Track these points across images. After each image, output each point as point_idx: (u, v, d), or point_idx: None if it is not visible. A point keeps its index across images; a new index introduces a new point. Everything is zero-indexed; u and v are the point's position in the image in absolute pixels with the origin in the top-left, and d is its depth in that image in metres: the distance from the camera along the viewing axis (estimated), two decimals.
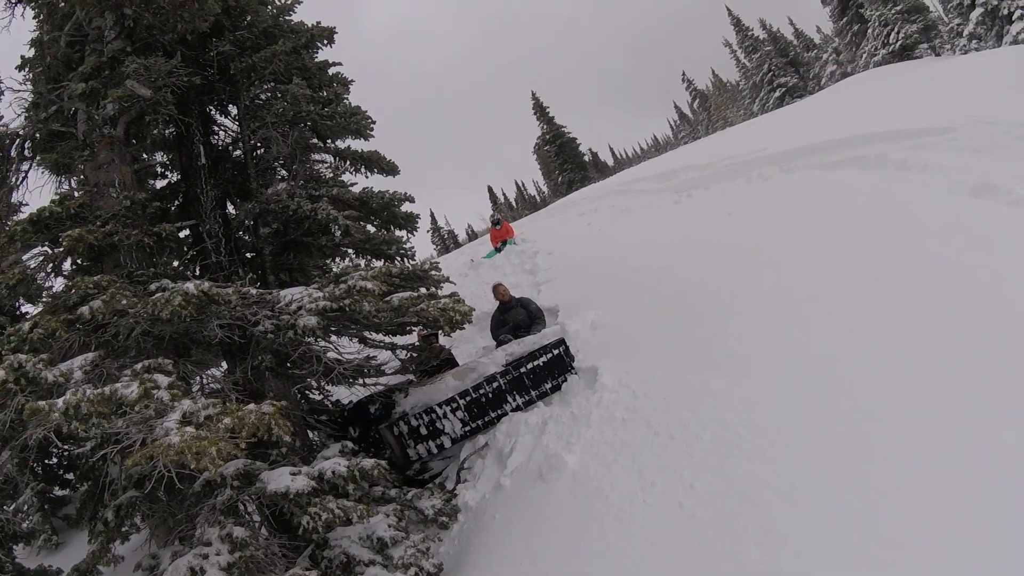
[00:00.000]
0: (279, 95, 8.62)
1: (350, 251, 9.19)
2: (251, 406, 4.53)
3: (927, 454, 4.21)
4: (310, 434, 8.01)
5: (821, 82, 46.40)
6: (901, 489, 4.05)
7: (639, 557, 4.61)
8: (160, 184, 9.40)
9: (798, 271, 7.42)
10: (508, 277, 12.07)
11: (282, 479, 5.43)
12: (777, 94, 49.28)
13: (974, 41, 29.66)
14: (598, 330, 8.11)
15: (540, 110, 56.85)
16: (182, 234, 8.43)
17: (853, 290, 6.47)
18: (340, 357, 7.33)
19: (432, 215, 67.04)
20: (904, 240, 7.04)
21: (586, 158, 59.87)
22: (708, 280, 8.12)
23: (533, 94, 56.99)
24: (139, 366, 4.99)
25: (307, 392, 8.66)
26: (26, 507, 9.76)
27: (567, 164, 55.31)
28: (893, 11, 36.47)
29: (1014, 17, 25.93)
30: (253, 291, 6.65)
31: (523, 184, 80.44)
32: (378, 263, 8.96)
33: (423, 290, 7.77)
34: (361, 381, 7.91)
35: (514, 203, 74.14)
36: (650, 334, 7.46)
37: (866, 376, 5.18)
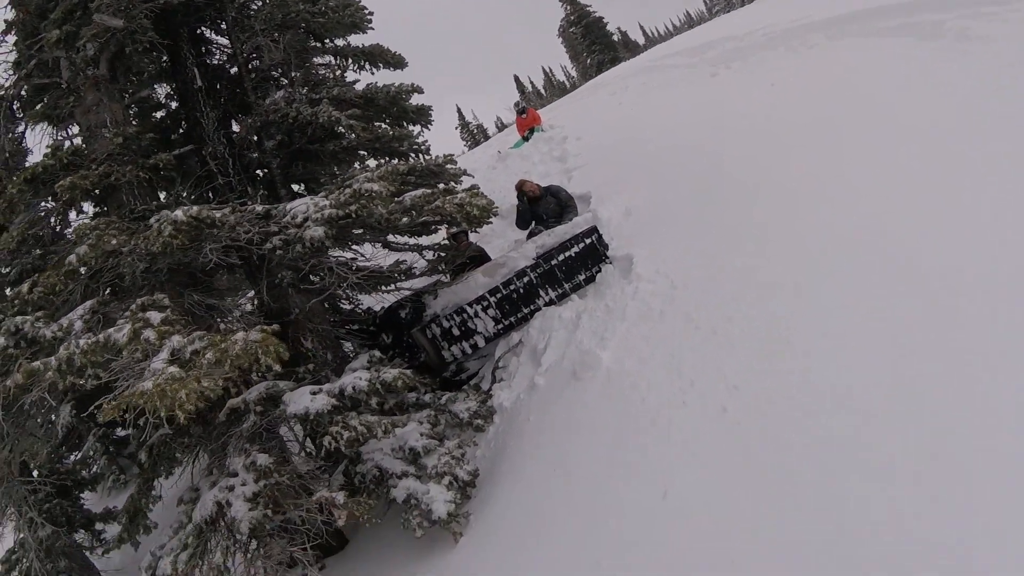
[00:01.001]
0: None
1: (362, 153, 8.66)
2: (239, 335, 4.23)
3: (984, 357, 3.73)
4: (343, 345, 7.85)
5: None
6: (959, 406, 3.58)
7: (678, 467, 4.27)
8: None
9: (839, 151, 6.67)
10: (537, 167, 11.39)
11: (302, 400, 5.24)
12: None
13: None
14: (631, 216, 7.56)
15: None
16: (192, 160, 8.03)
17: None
18: (355, 263, 6.96)
19: (459, 111, 64.22)
20: (943, 122, 6.25)
21: (615, 38, 56.35)
22: (745, 157, 7.41)
23: None
24: (135, 304, 4.73)
25: (338, 303, 8.44)
26: (91, 452, 9.93)
27: (595, 45, 52.11)
28: None
29: None
30: (258, 207, 6.28)
31: (551, 70, 76.29)
32: (394, 162, 8.43)
33: (441, 186, 7.31)
34: (385, 287, 7.62)
35: (543, 91, 70.72)
36: (686, 218, 6.89)
37: (916, 265, 4.63)
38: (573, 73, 62.44)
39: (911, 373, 3.87)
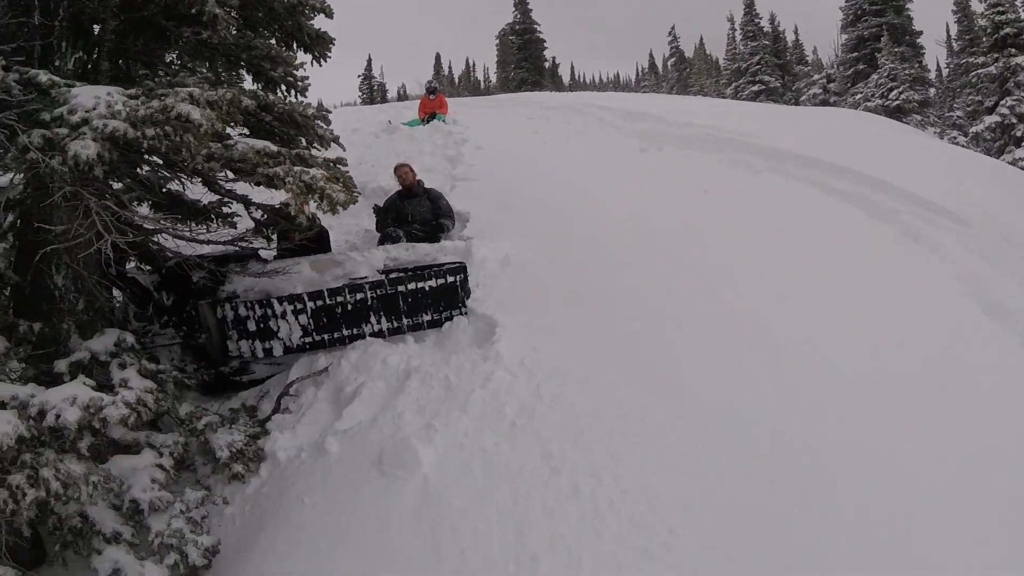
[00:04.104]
0: None
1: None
2: None
3: None
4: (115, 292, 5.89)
5: (799, 99, 45.44)
6: None
7: None
8: None
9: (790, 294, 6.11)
10: (424, 157, 9.78)
11: None
12: (755, 88, 47.49)
13: (975, 142, 28.84)
14: (508, 267, 6.26)
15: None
16: None
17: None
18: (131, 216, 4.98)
19: (369, 61, 60.30)
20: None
21: (546, 64, 56.07)
22: (668, 261, 6.54)
23: None
24: None
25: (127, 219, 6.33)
26: None
27: (526, 62, 51.33)
28: (906, 71, 35.81)
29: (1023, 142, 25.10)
30: (43, 76, 4.23)
31: (474, 64, 74.49)
32: (253, 85, 6.43)
33: (301, 147, 5.62)
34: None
35: (457, 80, 68.64)
36: (574, 301, 5.74)
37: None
38: (493, 78, 61.18)
39: None
